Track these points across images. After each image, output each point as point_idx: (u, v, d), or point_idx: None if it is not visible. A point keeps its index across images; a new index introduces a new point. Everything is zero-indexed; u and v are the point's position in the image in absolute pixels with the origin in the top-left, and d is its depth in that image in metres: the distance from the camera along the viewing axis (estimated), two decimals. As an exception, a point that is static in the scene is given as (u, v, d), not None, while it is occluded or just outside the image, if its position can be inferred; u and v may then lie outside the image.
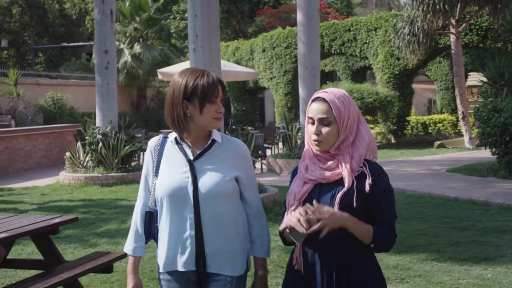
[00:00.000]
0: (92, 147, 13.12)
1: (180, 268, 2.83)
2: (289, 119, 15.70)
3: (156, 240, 2.92)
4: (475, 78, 25.94)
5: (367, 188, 2.57)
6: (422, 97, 32.13)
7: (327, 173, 2.65)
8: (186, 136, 2.84)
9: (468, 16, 18.81)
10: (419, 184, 11.66)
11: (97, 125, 13.54)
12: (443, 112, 23.66)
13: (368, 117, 21.43)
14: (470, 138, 18.87)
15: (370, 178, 2.58)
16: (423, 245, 7.35)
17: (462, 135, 20.65)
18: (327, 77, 29.91)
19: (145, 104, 30.53)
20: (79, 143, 14.00)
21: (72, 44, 42.13)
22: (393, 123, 21.88)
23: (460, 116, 18.81)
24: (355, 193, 2.58)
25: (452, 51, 18.54)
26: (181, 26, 35.03)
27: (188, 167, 2.79)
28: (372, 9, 43.60)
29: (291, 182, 2.83)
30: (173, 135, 2.88)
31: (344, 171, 2.62)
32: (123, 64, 27.66)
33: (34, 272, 6.24)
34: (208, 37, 9.23)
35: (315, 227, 2.51)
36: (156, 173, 2.87)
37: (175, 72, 17.84)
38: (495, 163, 13.05)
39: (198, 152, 2.81)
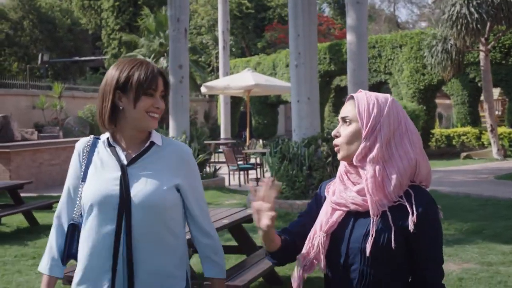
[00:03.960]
0: (168, 155, 14.03)
1: None
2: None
3: (76, 259, 2.50)
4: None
5: (411, 226, 2.07)
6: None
7: (359, 198, 2.15)
8: (119, 137, 2.48)
9: (492, 34, 20.01)
10: (479, 189, 12.70)
11: (170, 135, 14.46)
12: (465, 126, 24.80)
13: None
14: (498, 150, 20.01)
15: (415, 215, 2.08)
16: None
17: (486, 147, 21.81)
18: (342, 92, 30.98)
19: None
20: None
21: (83, 58, 43.03)
22: (418, 136, 22.94)
23: (489, 129, 19.95)
24: (393, 230, 2.09)
25: (482, 68, 19.70)
26: (197, 41, 35.99)
27: (119, 173, 2.41)
28: (381, 26, 45.03)
29: (313, 200, 2.43)
30: (105, 135, 2.53)
31: (367, 194, 2.12)
32: (149, 78, 28.60)
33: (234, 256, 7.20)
34: (309, 55, 10.26)
35: None
36: (83, 178, 2.47)
37: (220, 86, 18.83)
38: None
39: (133, 156, 2.45)
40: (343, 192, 2.20)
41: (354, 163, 2.17)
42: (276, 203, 8.56)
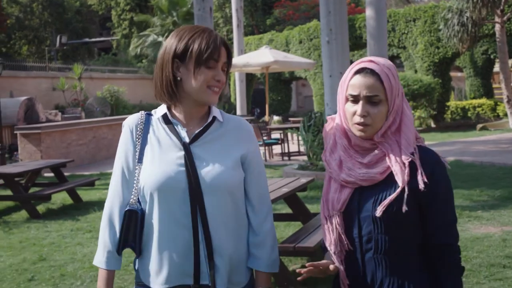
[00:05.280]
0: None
1: (185, 281, 2.22)
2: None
3: (133, 248, 2.27)
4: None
5: (420, 185, 2.05)
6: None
7: (372, 173, 2.12)
8: (177, 111, 2.29)
9: (507, 6, 20.21)
10: (503, 158, 13.01)
11: (199, 112, 14.81)
12: (478, 98, 25.06)
13: (411, 103, 22.82)
14: (514, 120, 20.37)
15: (423, 173, 2.07)
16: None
17: (501, 118, 22.12)
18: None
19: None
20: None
21: (94, 39, 43.25)
22: (433, 108, 23.26)
23: (505, 100, 20.24)
24: (405, 194, 2.06)
25: (497, 39, 19.95)
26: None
27: (183, 152, 2.21)
28: (391, 0, 45.06)
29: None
30: (159, 111, 2.32)
31: (395, 166, 2.09)
32: (162, 57, 29.02)
33: (282, 223, 7.58)
34: (341, 31, 10.54)
35: None
36: (140, 160, 2.25)
37: (239, 64, 19.08)
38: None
39: (196, 133, 2.25)
40: (353, 169, 2.14)
41: (376, 139, 2.12)
42: (313, 174, 8.91)
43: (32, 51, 44.01)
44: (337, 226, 2.17)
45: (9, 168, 10.09)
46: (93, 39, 43.33)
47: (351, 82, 2.13)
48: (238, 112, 25.07)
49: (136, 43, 31.08)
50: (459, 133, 20.88)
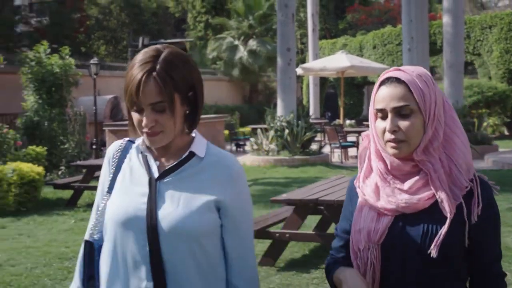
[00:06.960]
0: (277, 133, 15.14)
1: None
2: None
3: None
4: None
5: (474, 218, 1.82)
6: None
7: (415, 199, 1.85)
8: None
9: None
10: None
11: (278, 114, 15.50)
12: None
13: (484, 110, 22.93)
14: None
15: (480, 205, 1.83)
16: None
17: None
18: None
19: (257, 98, 32.77)
20: (258, 130, 16.05)
21: (169, 40, 44.47)
22: (507, 115, 23.29)
23: None
24: (467, 225, 1.83)
25: None
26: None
27: (147, 189, 1.94)
28: (465, 6, 44.75)
29: (346, 202, 2.08)
30: (140, 138, 2.02)
31: (440, 192, 1.83)
32: (238, 59, 29.92)
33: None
34: (422, 39, 10.99)
35: None
36: (109, 189, 2.02)
37: (316, 68, 19.63)
38: None
39: (166, 168, 1.95)
40: (391, 196, 1.87)
41: (416, 157, 1.85)
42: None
43: (109, 51, 45.62)
44: (373, 260, 1.90)
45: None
46: (169, 40, 44.54)
47: (377, 96, 1.88)
48: (312, 115, 25.66)
49: (213, 46, 32.05)
50: (534, 141, 20.89)
